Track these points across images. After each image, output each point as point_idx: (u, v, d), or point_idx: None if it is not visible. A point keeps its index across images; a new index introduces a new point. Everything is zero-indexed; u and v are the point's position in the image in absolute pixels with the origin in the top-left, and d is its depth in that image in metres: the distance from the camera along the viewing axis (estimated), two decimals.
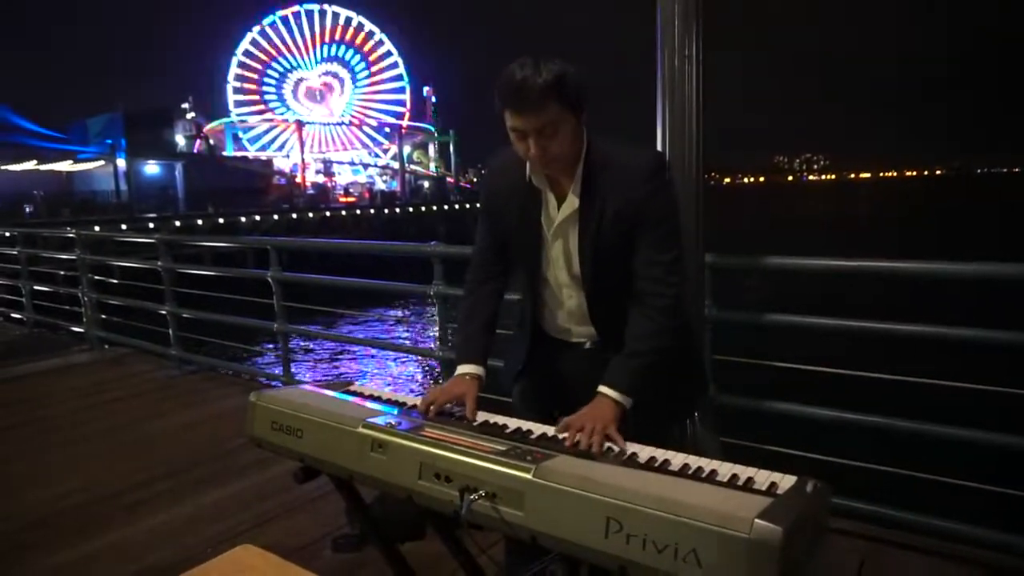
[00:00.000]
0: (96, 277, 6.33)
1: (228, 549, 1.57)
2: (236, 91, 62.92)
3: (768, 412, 2.62)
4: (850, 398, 2.68)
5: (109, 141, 41.17)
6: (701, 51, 2.23)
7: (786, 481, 1.21)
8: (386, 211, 43.44)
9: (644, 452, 1.37)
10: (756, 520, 1.00)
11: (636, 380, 1.59)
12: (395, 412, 1.59)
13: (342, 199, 55.66)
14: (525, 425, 1.55)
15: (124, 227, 23.34)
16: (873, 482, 2.51)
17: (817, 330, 2.65)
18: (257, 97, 63.91)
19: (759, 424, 2.66)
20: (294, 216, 36.72)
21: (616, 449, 1.41)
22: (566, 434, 1.46)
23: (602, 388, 1.58)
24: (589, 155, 1.65)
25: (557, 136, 1.55)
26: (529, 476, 1.21)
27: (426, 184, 70.33)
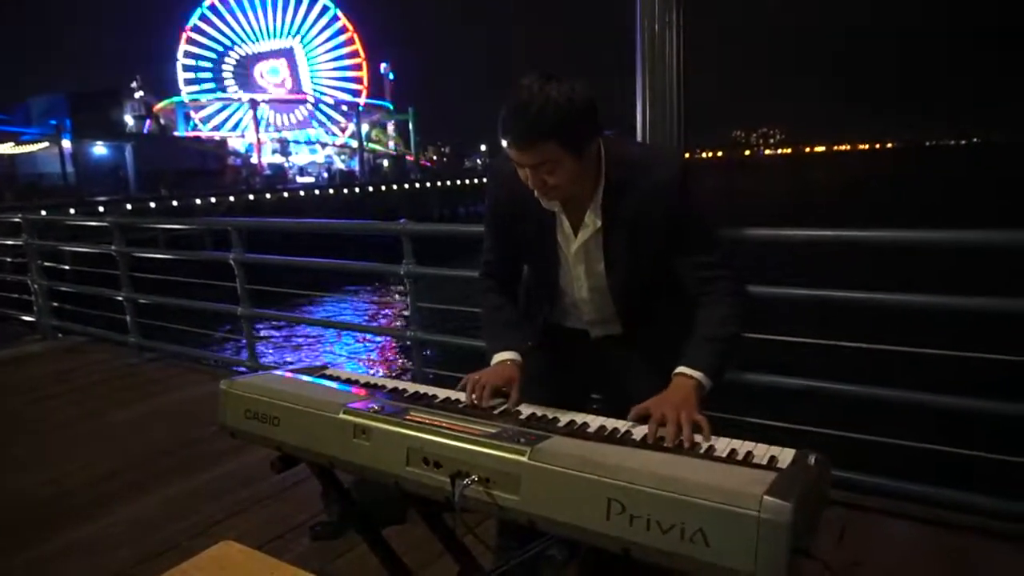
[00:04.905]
0: (46, 264, 6.09)
1: (202, 541, 1.52)
2: (186, 68, 61.06)
3: (740, 383, 2.61)
4: (821, 367, 2.69)
5: (54, 122, 39.49)
6: (683, 16, 2.15)
7: (784, 454, 1.19)
8: (346, 191, 42.68)
9: (638, 430, 1.34)
10: (765, 496, 0.97)
11: (718, 361, 1.46)
12: (376, 396, 1.53)
13: (300, 180, 54.63)
14: (512, 406, 1.50)
15: (72, 211, 22.50)
16: (850, 450, 2.53)
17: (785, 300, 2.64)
18: (209, 75, 62.18)
19: (728, 396, 2.66)
20: (251, 198, 35.87)
21: (705, 444, 1.25)
22: (642, 426, 1.32)
23: (682, 368, 1.44)
24: (608, 174, 1.53)
25: (556, 172, 1.44)
26: (524, 459, 1.17)
27: (385, 163, 69.46)
